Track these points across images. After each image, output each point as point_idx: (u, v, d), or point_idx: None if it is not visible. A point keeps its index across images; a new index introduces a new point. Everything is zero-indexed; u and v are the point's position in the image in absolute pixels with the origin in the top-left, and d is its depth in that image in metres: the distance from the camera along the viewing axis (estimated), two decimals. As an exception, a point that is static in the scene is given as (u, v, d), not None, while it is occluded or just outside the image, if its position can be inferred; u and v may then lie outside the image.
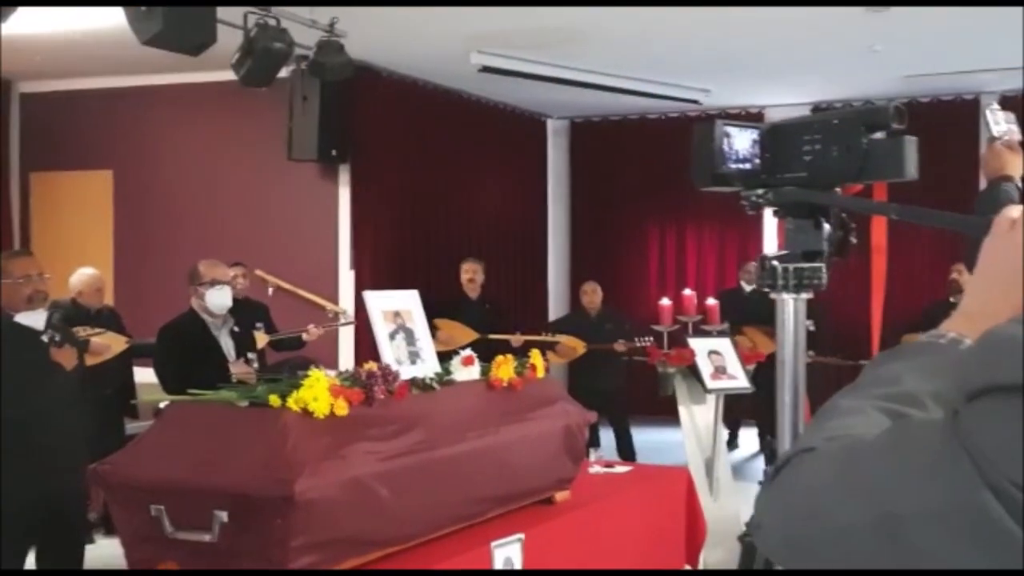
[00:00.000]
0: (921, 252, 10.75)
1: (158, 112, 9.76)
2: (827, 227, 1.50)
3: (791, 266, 1.51)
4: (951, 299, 8.75)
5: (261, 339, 6.55)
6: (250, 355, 5.69)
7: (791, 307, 1.54)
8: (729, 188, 1.56)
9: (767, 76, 9.86)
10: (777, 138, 1.53)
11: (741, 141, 1.51)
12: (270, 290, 9.11)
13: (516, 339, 8.21)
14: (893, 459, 0.87)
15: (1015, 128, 2.79)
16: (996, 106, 2.88)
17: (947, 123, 10.14)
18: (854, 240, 1.56)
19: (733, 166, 1.49)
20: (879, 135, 1.48)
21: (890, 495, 0.85)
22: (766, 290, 1.54)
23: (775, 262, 1.51)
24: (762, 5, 6.62)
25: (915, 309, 9.41)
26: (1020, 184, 2.70)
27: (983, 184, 2.78)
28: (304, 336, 7.23)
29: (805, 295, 1.53)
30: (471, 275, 8.59)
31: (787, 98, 10.80)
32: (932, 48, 8.67)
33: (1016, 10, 7.44)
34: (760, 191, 1.50)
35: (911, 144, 1.49)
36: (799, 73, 9.77)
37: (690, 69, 9.65)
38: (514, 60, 8.98)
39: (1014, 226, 1.04)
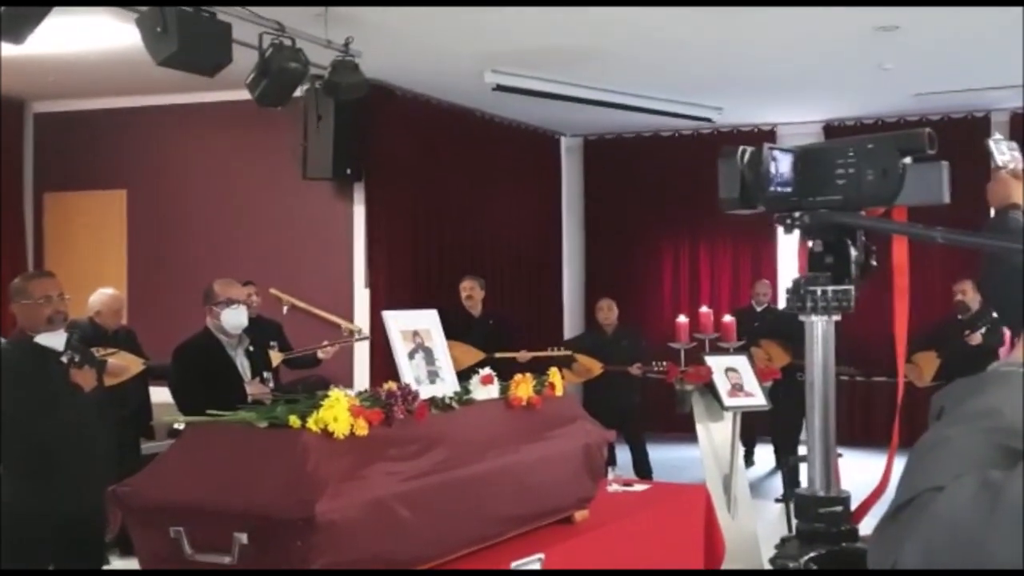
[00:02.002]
0: (923, 271, 10.73)
1: (172, 132, 9.81)
2: (854, 251, 1.49)
3: (822, 289, 1.51)
4: (960, 317, 8.73)
5: (276, 357, 6.55)
6: (265, 374, 5.68)
7: (820, 330, 1.53)
8: (753, 211, 1.55)
9: (779, 94, 9.87)
10: (810, 161, 1.53)
11: (784, 164, 1.51)
12: (285, 309, 9.13)
13: (523, 356, 8.17)
14: None
15: (1018, 156, 2.79)
16: (999, 135, 2.89)
17: (957, 141, 10.05)
18: (875, 263, 1.56)
19: (777, 189, 1.48)
20: (908, 159, 1.48)
21: None
22: (796, 312, 1.53)
23: (809, 285, 1.50)
24: (767, 5, 6.59)
25: (922, 327, 9.39)
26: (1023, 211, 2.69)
27: (991, 213, 2.78)
28: (319, 354, 7.23)
29: (836, 318, 1.52)
30: (469, 292, 8.53)
31: (799, 116, 10.80)
32: (942, 66, 8.67)
33: (1020, 29, 7.45)
34: (796, 214, 1.50)
35: (945, 169, 1.49)
36: (810, 92, 9.78)
37: (703, 87, 9.66)
38: (528, 79, 9.01)
39: None
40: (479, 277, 8.70)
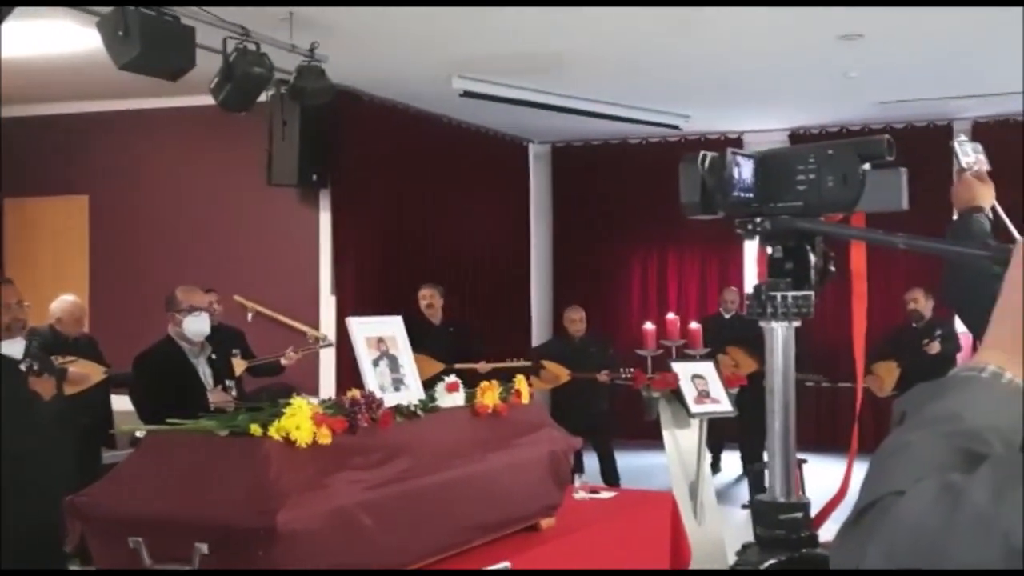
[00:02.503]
0: (875, 278, 10.79)
1: (135, 137, 9.72)
2: (813, 256, 1.48)
3: (782, 295, 1.49)
4: (914, 325, 8.80)
5: (239, 365, 6.49)
6: (228, 382, 5.63)
7: (780, 335, 1.52)
8: (713, 216, 1.54)
9: (746, 102, 9.92)
10: (771, 166, 1.52)
11: (747, 170, 1.50)
12: (250, 316, 9.05)
13: (483, 367, 8.14)
14: (1010, 494, 0.89)
15: (983, 158, 2.80)
16: (963, 137, 2.89)
17: (921, 149, 10.19)
18: (833, 269, 1.55)
19: (740, 194, 1.47)
20: (868, 165, 1.47)
21: (1013, 530, 0.87)
22: (756, 318, 1.52)
23: (770, 291, 1.49)
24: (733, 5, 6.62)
25: (882, 336, 9.45)
26: (991, 215, 2.70)
27: (954, 216, 2.78)
28: (283, 361, 7.17)
29: (795, 324, 1.51)
30: (429, 300, 8.49)
31: (765, 124, 10.86)
32: (906, 75, 8.74)
33: (983, 39, 7.53)
34: (758, 219, 1.48)
35: (904, 175, 1.48)
36: (776, 100, 9.84)
37: (670, 95, 9.69)
38: (496, 85, 8.99)
39: None
40: (438, 285, 8.65)
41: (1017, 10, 6.85)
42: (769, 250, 1.51)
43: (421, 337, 7.91)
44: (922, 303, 8.71)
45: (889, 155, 1.48)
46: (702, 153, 1.52)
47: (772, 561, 1.42)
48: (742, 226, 1.50)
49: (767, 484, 1.53)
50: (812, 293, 1.49)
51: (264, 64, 6.77)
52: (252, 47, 6.72)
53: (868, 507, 0.99)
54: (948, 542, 0.90)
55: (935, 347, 8.21)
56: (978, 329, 2.67)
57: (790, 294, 1.48)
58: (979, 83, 9.06)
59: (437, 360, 7.63)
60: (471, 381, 3.96)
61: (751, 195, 1.47)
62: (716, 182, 1.45)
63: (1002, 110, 10.23)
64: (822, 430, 10.75)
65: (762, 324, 1.53)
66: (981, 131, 10.46)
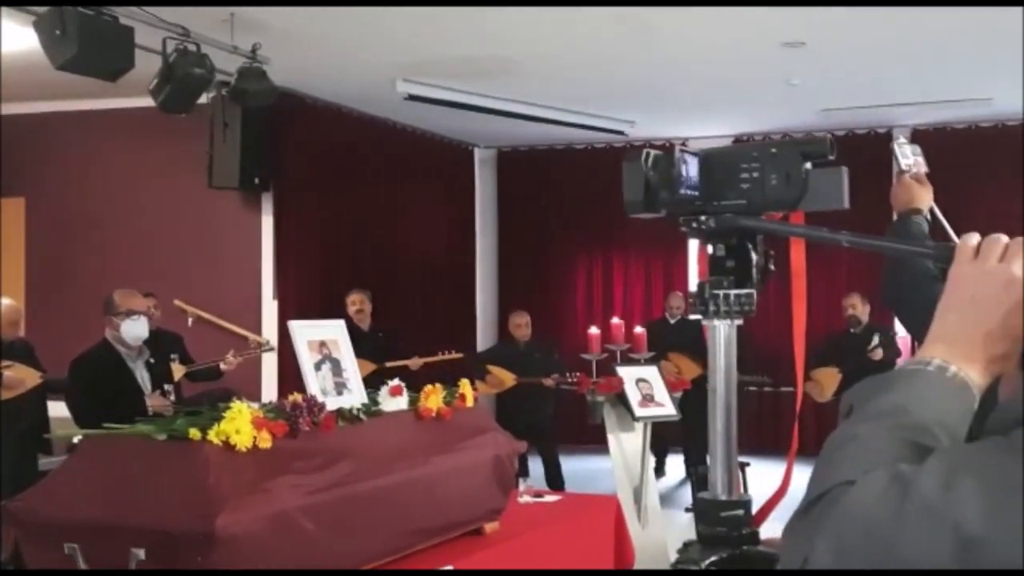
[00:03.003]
0: (816, 283, 10.94)
1: (74, 138, 9.56)
2: (755, 255, 1.48)
3: (724, 293, 1.49)
4: (852, 331, 8.91)
5: (177, 371, 6.40)
6: (167, 387, 5.56)
7: (723, 334, 1.52)
8: (655, 214, 1.54)
9: (690, 108, 10.00)
10: (715, 165, 1.52)
11: (693, 168, 1.50)
12: (190, 321, 8.93)
13: (414, 363, 8.15)
14: (959, 484, 0.90)
15: (922, 161, 2.83)
16: (903, 139, 2.93)
17: (862, 156, 10.33)
18: (773, 268, 1.55)
19: (686, 192, 1.47)
20: (809, 165, 1.48)
21: (963, 519, 0.88)
22: (699, 317, 1.52)
23: (713, 289, 1.49)
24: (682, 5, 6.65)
25: (815, 340, 9.56)
26: (929, 217, 2.73)
27: (893, 217, 2.81)
28: (222, 366, 7.08)
29: (738, 322, 1.51)
30: (359, 305, 8.47)
31: (710, 130, 10.95)
32: (848, 83, 8.85)
33: (922, 48, 7.65)
34: (702, 217, 1.48)
35: (845, 174, 1.49)
36: (721, 106, 9.92)
37: (616, 101, 9.73)
38: (441, 89, 8.97)
39: (979, 254, 1.10)
40: (367, 289, 8.63)
41: (948, 21, 6.98)
42: (711, 248, 1.50)
43: (352, 342, 7.88)
44: (859, 308, 8.82)
45: (831, 154, 1.49)
46: (646, 151, 1.51)
47: (713, 558, 1.42)
48: (686, 224, 1.50)
49: (709, 482, 1.52)
50: (754, 291, 1.49)
51: (205, 65, 6.68)
52: (192, 48, 6.63)
53: (817, 499, 0.99)
54: (897, 531, 0.90)
55: (878, 353, 8.30)
56: (916, 330, 2.70)
57: (732, 292, 1.48)
58: (918, 91, 9.20)
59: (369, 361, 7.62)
60: (404, 380, 3.93)
61: (696, 193, 1.47)
62: (662, 180, 1.45)
63: (940, 118, 10.41)
64: (764, 433, 10.84)
65: (705, 322, 1.53)
66: (919, 138, 10.63)
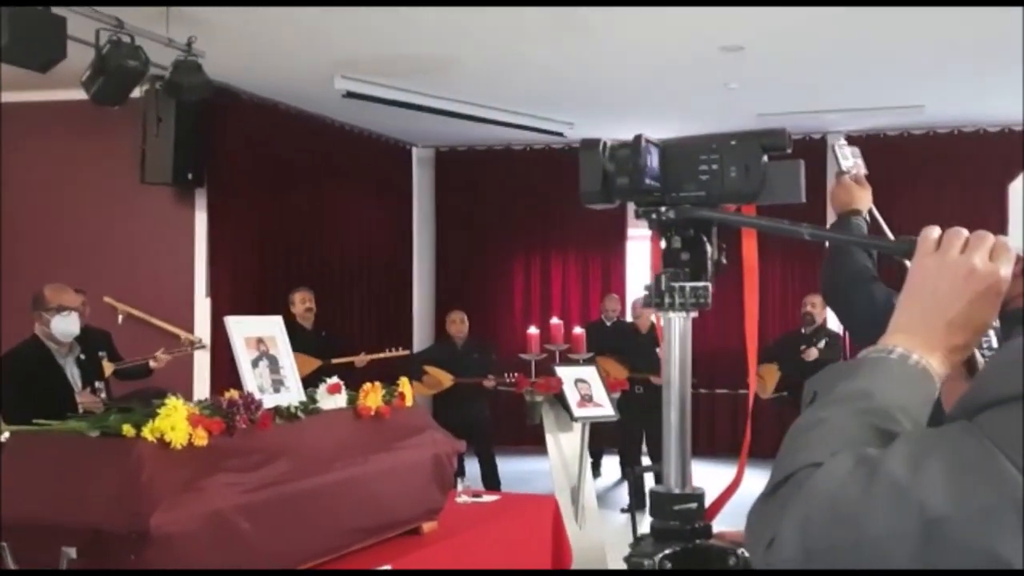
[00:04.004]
0: (772, 284, 11.10)
1: (2, 131, 9.33)
2: (710, 248, 1.49)
3: (680, 285, 1.49)
4: (803, 331, 9.03)
5: (106, 368, 6.28)
6: (97, 384, 5.45)
7: (678, 326, 1.52)
8: (610, 205, 1.53)
9: (628, 111, 10.03)
10: (673, 155, 1.52)
11: (655, 158, 1.50)
12: (120, 318, 8.77)
13: (360, 359, 8.11)
14: (926, 466, 0.91)
15: (861, 163, 2.86)
16: (843, 141, 2.96)
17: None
18: (725, 261, 1.55)
19: (650, 183, 1.46)
20: (766, 157, 1.48)
21: (929, 499, 0.89)
22: (655, 308, 1.52)
23: (672, 281, 1.48)
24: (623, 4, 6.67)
25: (767, 339, 9.67)
26: (868, 218, 2.76)
27: (831, 218, 2.84)
28: (151, 364, 6.95)
29: (693, 314, 1.51)
30: (309, 304, 8.47)
31: (647, 133, 10.96)
32: (784, 88, 8.95)
33: (857, 54, 7.77)
34: (662, 208, 1.48)
35: (802, 167, 1.50)
36: (659, 109, 9.97)
37: (555, 102, 9.75)
38: (379, 87, 8.90)
39: (939, 247, 1.13)
40: (312, 289, 8.60)
41: (883, 28, 7.10)
42: (667, 241, 1.50)
43: (295, 340, 7.82)
44: (818, 309, 8.91)
45: (789, 147, 1.50)
46: (602, 140, 1.50)
47: (667, 552, 1.41)
48: (646, 215, 1.49)
49: (663, 475, 1.52)
50: (709, 284, 1.49)
51: (139, 57, 6.55)
52: (126, 39, 6.50)
53: (783, 481, 1.01)
54: (864, 511, 0.92)
55: (812, 353, 8.40)
56: (854, 328, 2.73)
57: (688, 284, 1.47)
58: (852, 98, 9.34)
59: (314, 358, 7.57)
60: (349, 377, 3.90)
61: (657, 184, 1.46)
62: (624, 169, 1.44)
63: (873, 124, 10.58)
64: (700, 436, 10.94)
65: (659, 315, 1.52)
66: (853, 144, 10.78)
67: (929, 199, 10.17)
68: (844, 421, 1.03)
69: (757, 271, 1.56)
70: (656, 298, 1.49)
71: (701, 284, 1.49)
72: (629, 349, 8.97)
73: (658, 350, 8.20)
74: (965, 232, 1.13)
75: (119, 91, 6.69)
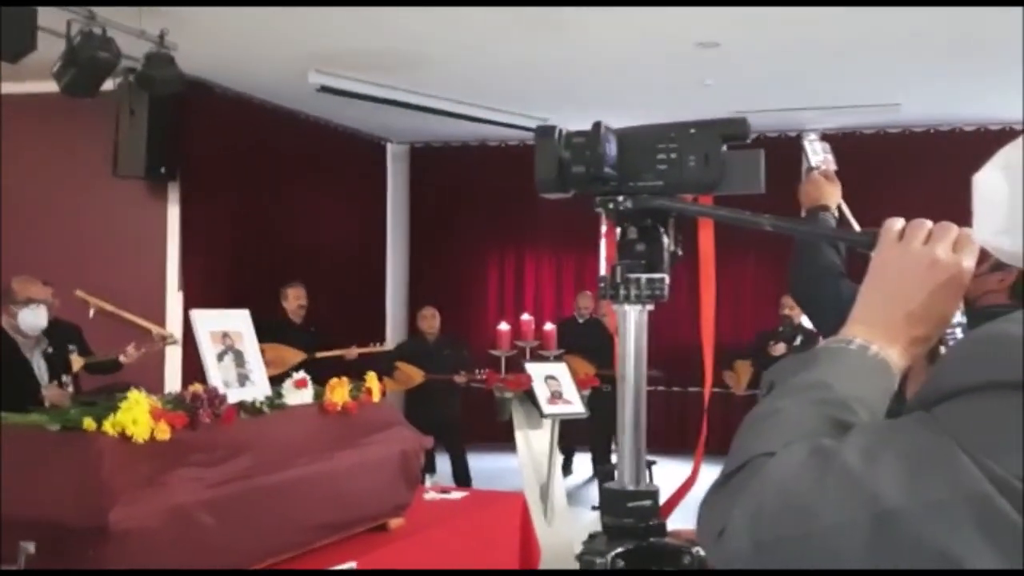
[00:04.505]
0: (745, 282, 11.12)
1: (-28, 123, 9.24)
2: (666, 238, 1.47)
3: (635, 276, 1.47)
4: (780, 329, 9.06)
5: (75, 362, 6.22)
6: (65, 378, 5.40)
7: (633, 319, 1.50)
8: (565, 194, 1.51)
9: (604, 107, 10.00)
10: (630, 144, 1.50)
11: (613, 146, 1.48)
12: (92, 312, 8.69)
13: (350, 352, 8.08)
14: (881, 457, 0.90)
15: (831, 158, 2.86)
16: (814, 136, 2.97)
17: (771, 158, 10.44)
18: (680, 252, 1.53)
19: (608, 171, 1.44)
20: (725, 147, 1.47)
21: (883, 492, 0.87)
22: (610, 299, 1.50)
23: (628, 273, 1.46)
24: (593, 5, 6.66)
25: (743, 337, 9.70)
26: (836, 214, 2.76)
27: (802, 214, 2.83)
28: (121, 358, 6.88)
29: (649, 307, 1.49)
30: (302, 300, 8.45)
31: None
32: (760, 85, 8.96)
33: (832, 53, 7.79)
34: (620, 198, 1.46)
35: (762, 156, 1.48)
36: (634, 105, 9.96)
37: (530, 98, 9.73)
38: (354, 81, 8.86)
39: (902, 238, 1.12)
40: (303, 284, 8.57)
41: (859, 27, 7.12)
42: (620, 232, 1.48)
43: (285, 335, 7.84)
44: (796, 311, 8.93)
45: (748, 136, 1.48)
46: (557, 127, 1.49)
47: (620, 550, 1.40)
48: (603, 204, 1.47)
49: (616, 472, 1.50)
50: (666, 276, 1.47)
51: (111, 49, 6.49)
52: (98, 31, 6.45)
53: (736, 470, 0.99)
54: (816, 501, 0.90)
55: (779, 348, 8.42)
56: (822, 324, 2.73)
57: (643, 276, 1.45)
58: (828, 95, 9.35)
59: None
60: (337, 371, 3.88)
61: (614, 172, 1.44)
62: (580, 158, 1.42)
63: (849, 122, 10.61)
64: (671, 433, 10.95)
65: (615, 307, 1.50)
66: (828, 142, 10.81)
67: (904, 198, 10.15)
68: (800, 411, 1.02)
69: (713, 262, 1.54)
70: (611, 290, 1.47)
71: (658, 276, 1.47)
72: (598, 347, 8.97)
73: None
74: (929, 223, 1.12)
75: (91, 83, 6.63)
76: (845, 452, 0.92)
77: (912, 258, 1.10)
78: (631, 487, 1.44)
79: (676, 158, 1.43)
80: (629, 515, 1.41)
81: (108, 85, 7.07)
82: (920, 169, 10.68)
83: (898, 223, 1.14)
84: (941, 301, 1.09)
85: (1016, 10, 6.61)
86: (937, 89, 9.18)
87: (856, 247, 1.17)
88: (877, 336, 1.09)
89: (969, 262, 1.10)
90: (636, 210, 1.44)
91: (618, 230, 1.48)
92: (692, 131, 1.45)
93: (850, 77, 8.67)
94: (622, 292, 1.46)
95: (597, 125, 1.47)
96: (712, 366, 1.62)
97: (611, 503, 1.44)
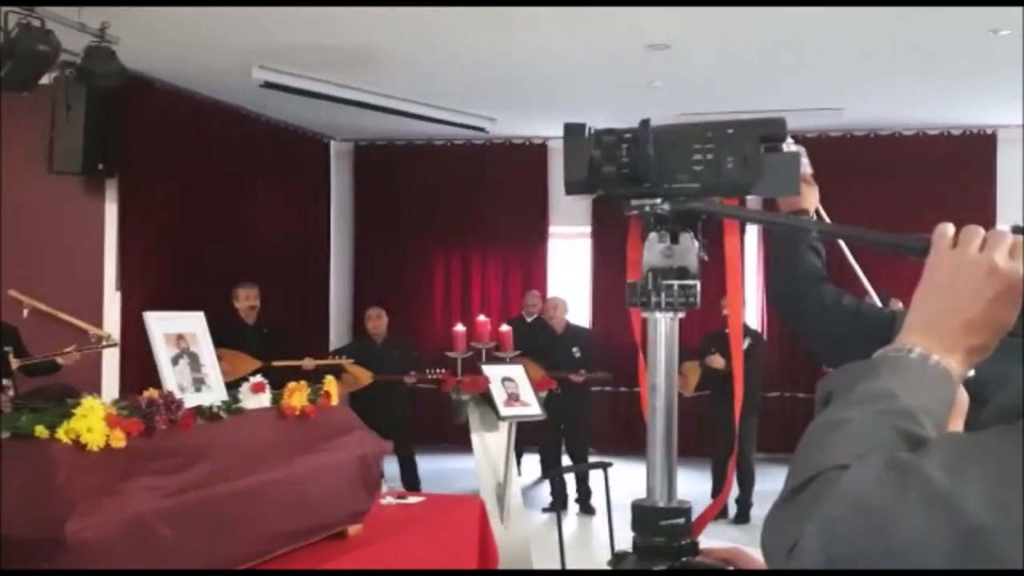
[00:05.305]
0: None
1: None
2: (695, 243, 1.40)
3: (669, 283, 1.40)
4: (725, 331, 9.04)
5: (13, 364, 6.02)
6: (5, 381, 5.20)
7: (664, 328, 1.43)
8: (593, 193, 1.44)
9: (551, 108, 9.98)
10: (665, 144, 1.43)
11: (647, 146, 1.40)
12: (25, 312, 8.43)
13: (308, 363, 7.94)
14: (966, 473, 0.87)
15: (806, 161, 2.82)
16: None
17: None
18: (706, 258, 1.47)
19: (642, 172, 1.37)
20: (763, 148, 1.41)
21: (969, 508, 0.85)
22: (640, 308, 1.42)
23: (663, 279, 1.39)
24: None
25: (689, 339, 9.69)
26: (814, 217, 2.71)
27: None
28: (60, 360, 6.69)
29: (680, 315, 1.42)
30: (251, 301, 8.29)
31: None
32: (707, 88, 8.97)
33: (777, 54, 7.82)
34: (657, 200, 1.38)
35: (800, 159, 1.43)
36: (582, 106, 9.91)
37: (477, 97, 9.66)
38: (298, 78, 8.71)
39: (957, 243, 1.08)
40: (256, 284, 8.41)
41: (805, 31, 7.15)
42: (652, 236, 1.41)
43: (237, 337, 7.66)
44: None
45: (785, 138, 1.42)
46: (586, 125, 1.42)
47: (654, 570, 1.33)
48: (638, 208, 1.40)
49: (647, 486, 1.43)
50: (697, 282, 1.41)
51: (50, 42, 6.31)
52: (37, 23, 6.25)
53: (805, 483, 0.96)
54: (897, 517, 0.88)
55: (718, 361, 8.36)
56: (802, 328, 2.68)
57: (676, 283, 1.39)
58: (774, 99, 9.37)
59: (253, 358, 7.38)
60: (293, 374, 3.78)
61: (648, 173, 1.37)
62: (611, 157, 1.34)
63: (793, 126, 10.59)
64: (619, 434, 10.95)
65: (645, 315, 1.43)
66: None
67: (845, 201, 10.26)
68: (867, 422, 0.99)
69: (739, 269, 1.48)
70: (641, 298, 1.40)
71: (690, 282, 1.41)
72: (546, 348, 8.92)
73: (574, 350, 8.08)
74: (982, 230, 1.08)
75: (28, 76, 6.45)
76: (927, 466, 0.89)
77: (969, 266, 1.07)
78: (662, 504, 1.37)
79: (713, 159, 1.37)
80: (661, 533, 1.34)
81: (45, 79, 6.88)
82: (862, 173, 10.80)
83: (950, 229, 1.10)
84: (1000, 309, 1.06)
85: (953, 16, 6.69)
86: (879, 94, 9.28)
87: (908, 254, 1.12)
88: (935, 345, 1.06)
89: None
90: (673, 213, 1.37)
91: (648, 234, 1.40)
92: (730, 131, 1.38)
93: (795, 81, 8.72)
94: (653, 299, 1.39)
95: (645, 123, 1.40)
96: (740, 373, 1.55)
97: (642, 521, 1.36)
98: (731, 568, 1.34)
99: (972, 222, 1.08)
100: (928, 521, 0.86)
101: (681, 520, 1.34)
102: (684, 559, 1.33)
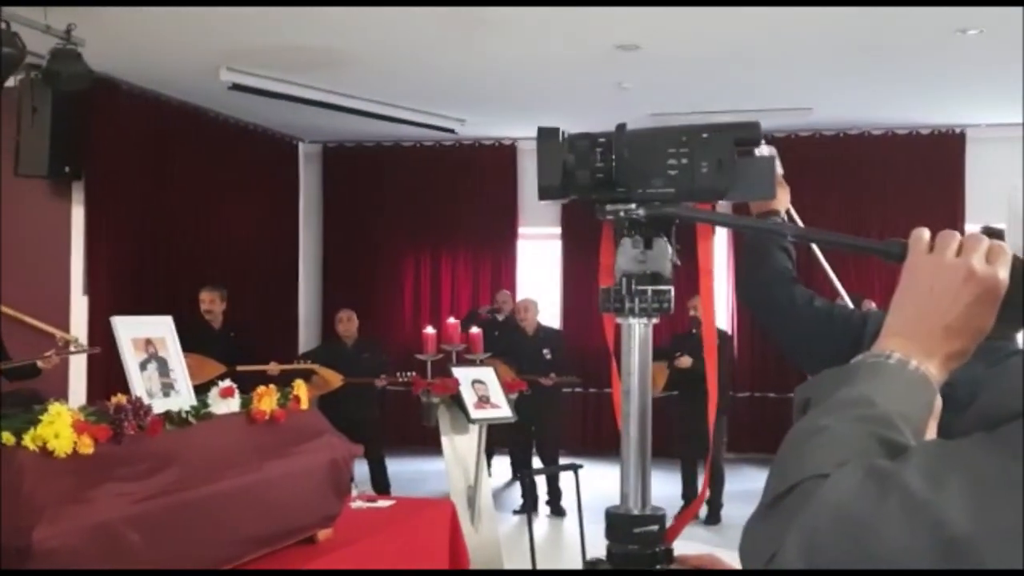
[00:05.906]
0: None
1: None
2: (670, 248, 1.39)
3: (643, 288, 1.40)
4: (693, 331, 9.07)
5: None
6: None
7: (638, 333, 1.42)
8: (566, 199, 1.43)
9: (521, 109, 9.99)
10: (638, 148, 1.42)
11: (621, 150, 1.39)
12: (-9, 316, 8.35)
13: (273, 368, 7.89)
14: (946, 482, 0.86)
15: (778, 163, 2.82)
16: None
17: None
18: (678, 263, 1.46)
19: (615, 177, 1.36)
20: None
21: (950, 517, 0.84)
22: (614, 313, 1.42)
23: (637, 284, 1.39)
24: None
25: (656, 339, 9.70)
26: (785, 218, 2.72)
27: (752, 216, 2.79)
28: (40, 363, 6.63)
29: (654, 320, 1.42)
30: (208, 305, 8.24)
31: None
32: (676, 88, 9.00)
33: (746, 54, 7.86)
34: (632, 206, 1.38)
35: (775, 163, 1.42)
36: (551, 107, 9.94)
37: (446, 98, 9.64)
38: (266, 79, 8.67)
39: (934, 247, 1.08)
40: (220, 287, 8.34)
41: (774, 31, 7.19)
42: (625, 241, 1.40)
43: (201, 340, 7.58)
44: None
45: (760, 141, 1.42)
46: (560, 129, 1.41)
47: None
48: (613, 213, 1.39)
49: (620, 492, 1.42)
50: (671, 288, 1.40)
51: (15, 44, 6.24)
52: (2, 25, 6.18)
53: (785, 492, 0.95)
54: (877, 527, 0.87)
55: (685, 361, 8.38)
56: (773, 328, 2.69)
57: (650, 288, 1.38)
58: (742, 99, 9.42)
59: (219, 362, 7.31)
60: (257, 384, 3.74)
61: (623, 177, 1.36)
62: (585, 162, 1.33)
63: (764, 125, 10.69)
64: (587, 435, 10.97)
65: (619, 321, 1.42)
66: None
67: (814, 201, 10.34)
68: (847, 429, 0.98)
69: (712, 274, 1.48)
70: (615, 303, 1.39)
71: (664, 287, 1.40)
72: (517, 350, 8.91)
73: (545, 352, 8.07)
74: (958, 234, 1.08)
75: (-8, 78, 6.36)
76: (906, 475, 0.88)
77: (946, 270, 1.06)
78: (636, 511, 1.36)
79: (688, 164, 1.36)
80: (635, 541, 1.34)
81: (10, 81, 6.80)
82: (831, 172, 10.87)
83: (926, 233, 1.10)
84: (978, 314, 1.06)
85: (921, 15, 6.73)
86: (848, 94, 9.33)
87: (885, 259, 1.12)
88: (914, 350, 1.05)
89: (1004, 273, 1.06)
90: (648, 218, 1.36)
91: (621, 239, 1.40)
92: (704, 135, 1.38)
93: (764, 81, 8.76)
94: (627, 305, 1.39)
95: (621, 127, 1.39)
96: (714, 380, 1.55)
97: (616, 528, 1.36)
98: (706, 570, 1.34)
99: (941, 221, 1.09)
100: (908, 530, 0.86)
101: (655, 527, 1.34)
102: (659, 567, 1.33)
